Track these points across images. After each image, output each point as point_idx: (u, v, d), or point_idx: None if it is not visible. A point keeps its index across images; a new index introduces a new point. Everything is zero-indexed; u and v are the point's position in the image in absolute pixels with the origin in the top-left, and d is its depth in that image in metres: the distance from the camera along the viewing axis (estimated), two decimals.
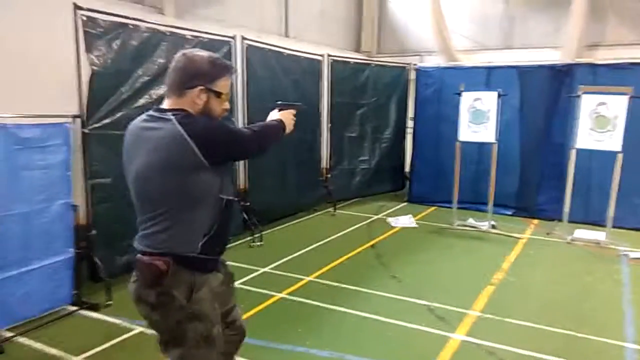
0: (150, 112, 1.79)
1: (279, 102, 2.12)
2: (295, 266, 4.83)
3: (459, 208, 6.70)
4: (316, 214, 7.07)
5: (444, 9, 10.43)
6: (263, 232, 5.68)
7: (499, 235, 6.18)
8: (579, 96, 5.73)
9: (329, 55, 7.12)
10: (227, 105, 1.85)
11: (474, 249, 5.67)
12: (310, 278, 4.52)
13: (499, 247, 5.71)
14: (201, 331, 1.76)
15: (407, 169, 8.42)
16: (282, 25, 9.07)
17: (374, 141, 7.82)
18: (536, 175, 7.16)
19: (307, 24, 9.50)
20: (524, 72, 7.19)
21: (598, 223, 6.52)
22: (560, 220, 6.66)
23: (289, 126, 2.05)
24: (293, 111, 2.10)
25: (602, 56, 9.03)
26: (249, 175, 5.75)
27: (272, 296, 4.10)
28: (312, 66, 6.72)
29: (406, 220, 6.74)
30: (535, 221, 6.88)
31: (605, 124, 5.61)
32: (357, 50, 11.92)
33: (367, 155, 7.80)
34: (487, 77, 7.38)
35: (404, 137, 8.28)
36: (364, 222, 6.67)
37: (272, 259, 4.99)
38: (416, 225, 6.61)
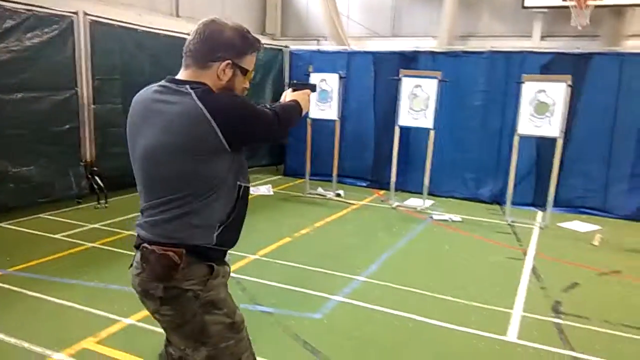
0: (164, 83, 1.58)
1: (294, 82, 1.99)
2: (123, 224, 5.39)
3: (322, 180, 7.50)
4: None
5: None
6: (114, 198, 6.22)
7: (338, 202, 6.96)
8: (400, 79, 6.53)
9: None
10: (247, 83, 1.68)
11: (304, 211, 6.42)
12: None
13: (328, 210, 6.48)
14: (222, 320, 1.62)
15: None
16: (172, 5, 9.50)
17: None
18: (387, 151, 7.98)
19: (203, 4, 9.95)
20: (378, 58, 7.95)
21: (434, 194, 7.44)
22: (403, 190, 7.54)
23: (305, 107, 1.89)
24: (308, 91, 1.94)
25: (474, 45, 9.95)
26: (98, 142, 6.25)
27: (84, 245, 4.70)
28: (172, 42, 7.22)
29: (264, 190, 7.43)
30: (382, 192, 7.71)
31: (420, 104, 6.44)
32: (262, 33, 12.45)
33: None
34: (347, 62, 8.11)
35: None
36: None
37: (106, 218, 5.55)
38: (271, 194, 7.31)
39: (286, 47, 8.99)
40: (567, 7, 8.92)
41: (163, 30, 7.02)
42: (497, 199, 7.26)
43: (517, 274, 4.41)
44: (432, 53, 7.63)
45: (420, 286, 4.02)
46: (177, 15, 9.52)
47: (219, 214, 1.59)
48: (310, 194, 7.28)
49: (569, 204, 6.94)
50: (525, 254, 5.03)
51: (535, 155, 7.08)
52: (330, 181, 7.62)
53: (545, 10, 9.75)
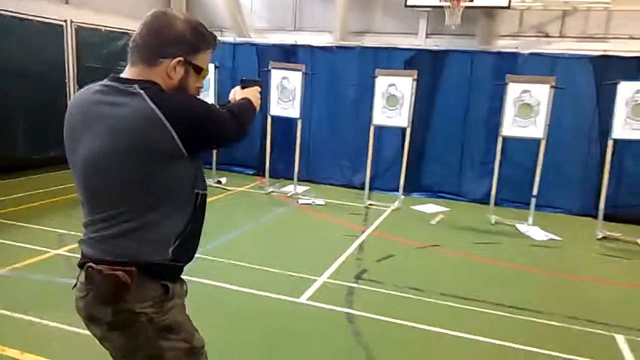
0: (107, 82, 1.41)
1: (244, 78, 1.86)
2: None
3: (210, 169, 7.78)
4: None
5: None
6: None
7: (217, 189, 7.24)
8: (269, 70, 6.89)
9: (72, 22, 7.67)
10: (202, 83, 1.54)
11: None
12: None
13: None
14: (180, 346, 1.47)
15: None
16: None
17: None
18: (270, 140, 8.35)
19: None
20: (261, 51, 8.27)
21: (314, 180, 7.89)
22: (286, 178, 7.93)
23: (257, 104, 1.76)
24: (258, 88, 1.81)
25: (369, 41, 10.47)
26: None
27: None
28: (52, 31, 7.21)
29: None
30: (265, 179, 8.06)
31: (288, 95, 6.83)
32: None
33: None
34: (233, 53, 8.38)
35: None
36: None
37: None
38: None
39: None
40: (446, 7, 9.58)
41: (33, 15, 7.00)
42: (369, 185, 7.81)
43: (344, 248, 4.88)
44: (311, 47, 8.05)
45: (247, 260, 4.39)
46: (66, 3, 9.40)
47: (175, 226, 1.43)
48: None
49: (429, 189, 7.61)
50: (363, 232, 5.54)
51: (400, 144, 7.67)
52: (220, 169, 7.90)
53: (429, 9, 10.41)
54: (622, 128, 5.55)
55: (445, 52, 7.37)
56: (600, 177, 6.67)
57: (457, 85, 7.26)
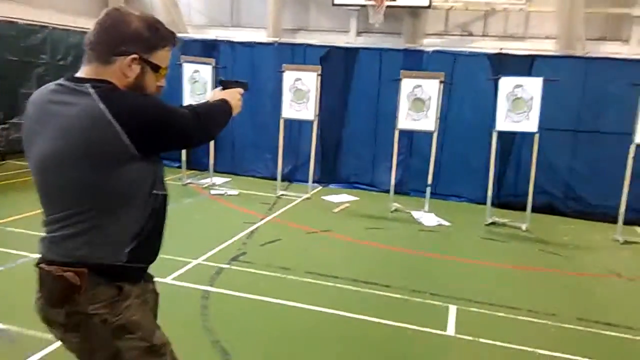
0: (62, 81, 1.40)
1: (222, 79, 1.83)
2: None
3: None
4: None
5: None
6: None
7: None
8: (181, 64, 7.06)
9: None
10: (163, 81, 1.51)
11: None
12: None
13: None
14: (138, 345, 1.44)
15: None
16: None
17: None
18: None
19: None
20: (185, 45, 8.40)
21: (238, 173, 8.10)
22: (215, 171, 8.07)
23: (236, 107, 1.72)
24: (240, 89, 1.77)
25: (303, 38, 10.69)
26: None
27: None
28: None
29: None
30: (189, 172, 8.21)
31: (200, 89, 7.02)
32: None
33: None
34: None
35: None
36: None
37: None
38: None
39: None
40: (369, 5, 9.91)
41: None
42: (289, 177, 8.07)
43: (235, 234, 5.11)
44: (231, 43, 8.26)
45: None
46: None
47: (130, 228, 1.41)
48: None
49: (345, 180, 7.92)
50: (263, 219, 5.79)
51: (319, 137, 7.95)
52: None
53: (358, 8, 10.71)
54: (504, 121, 5.95)
55: (356, 49, 7.69)
56: (500, 167, 7.12)
57: (368, 81, 7.59)
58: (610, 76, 6.62)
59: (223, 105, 1.67)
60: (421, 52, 7.48)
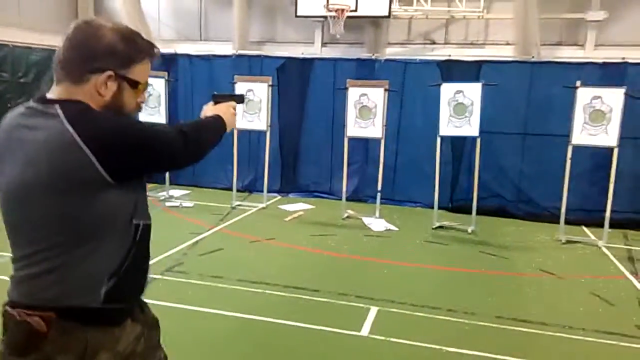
0: (31, 103, 1.28)
1: (215, 93, 1.73)
2: None
3: None
4: None
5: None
6: None
7: None
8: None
9: None
10: (143, 97, 1.38)
11: None
12: None
13: None
14: None
15: None
16: None
17: None
18: None
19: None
20: None
21: (200, 185, 8.17)
22: (175, 183, 8.11)
23: (230, 123, 1.60)
24: (233, 103, 1.68)
25: (271, 50, 10.83)
26: None
27: None
28: None
29: None
30: (150, 185, 8.27)
31: (154, 101, 7.11)
32: None
33: None
34: None
35: None
36: None
37: None
38: None
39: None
40: (330, 17, 10.08)
41: None
42: (250, 187, 8.14)
43: (178, 244, 5.16)
44: (189, 56, 8.38)
45: None
46: None
47: (107, 264, 1.26)
48: None
49: (305, 189, 8.01)
50: (211, 229, 5.85)
51: (278, 147, 8.05)
52: None
53: (322, 19, 10.88)
54: (447, 126, 6.07)
55: (311, 60, 7.82)
56: (453, 172, 7.24)
57: (323, 90, 7.71)
58: (553, 80, 6.77)
59: (215, 122, 1.55)
60: (373, 61, 7.63)
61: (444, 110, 6.07)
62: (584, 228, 6.44)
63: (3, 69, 8.44)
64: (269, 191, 7.81)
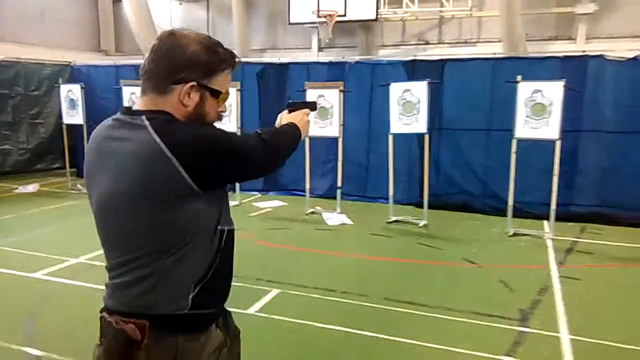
0: (118, 115, 1.34)
1: (290, 101, 1.78)
2: None
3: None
4: None
5: (153, 12, 12.23)
6: None
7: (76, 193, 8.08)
8: (120, 88, 7.80)
9: None
10: (224, 107, 1.42)
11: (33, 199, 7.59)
12: None
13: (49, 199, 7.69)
14: None
15: None
16: None
17: (32, 125, 9.51)
18: None
19: (25, 26, 10.92)
20: (120, 70, 9.21)
21: None
22: None
23: (305, 130, 1.67)
24: (307, 110, 1.74)
25: (270, 57, 11.36)
26: None
27: None
28: None
29: (30, 188, 8.53)
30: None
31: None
32: (98, 50, 13.57)
33: (24, 137, 9.47)
34: (116, 72, 9.34)
35: None
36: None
37: None
38: (35, 191, 8.40)
39: (73, 62, 10.07)
40: (319, 22, 10.45)
41: None
42: (232, 187, 8.61)
43: None
44: None
45: (44, 250, 5.23)
46: None
47: (194, 270, 1.31)
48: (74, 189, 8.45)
49: (285, 188, 8.40)
50: None
51: None
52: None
53: (317, 25, 11.27)
54: (397, 124, 6.30)
55: (287, 65, 8.21)
56: (419, 169, 7.42)
57: (297, 93, 8.06)
58: (514, 75, 6.81)
59: (291, 130, 1.62)
60: (343, 64, 7.92)
61: (394, 108, 6.30)
62: (544, 222, 6.45)
63: (17, 83, 9.36)
64: (252, 190, 8.28)
